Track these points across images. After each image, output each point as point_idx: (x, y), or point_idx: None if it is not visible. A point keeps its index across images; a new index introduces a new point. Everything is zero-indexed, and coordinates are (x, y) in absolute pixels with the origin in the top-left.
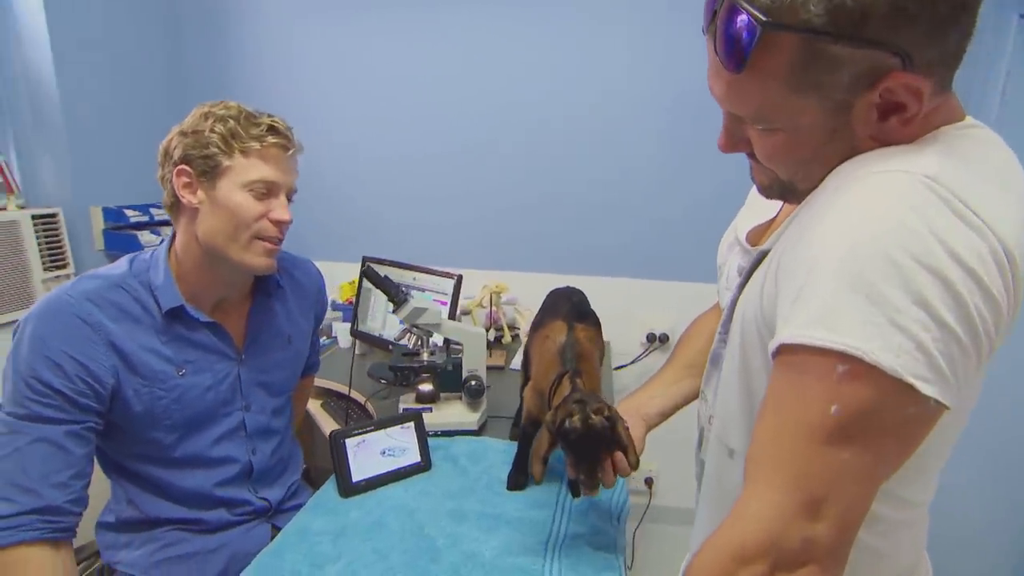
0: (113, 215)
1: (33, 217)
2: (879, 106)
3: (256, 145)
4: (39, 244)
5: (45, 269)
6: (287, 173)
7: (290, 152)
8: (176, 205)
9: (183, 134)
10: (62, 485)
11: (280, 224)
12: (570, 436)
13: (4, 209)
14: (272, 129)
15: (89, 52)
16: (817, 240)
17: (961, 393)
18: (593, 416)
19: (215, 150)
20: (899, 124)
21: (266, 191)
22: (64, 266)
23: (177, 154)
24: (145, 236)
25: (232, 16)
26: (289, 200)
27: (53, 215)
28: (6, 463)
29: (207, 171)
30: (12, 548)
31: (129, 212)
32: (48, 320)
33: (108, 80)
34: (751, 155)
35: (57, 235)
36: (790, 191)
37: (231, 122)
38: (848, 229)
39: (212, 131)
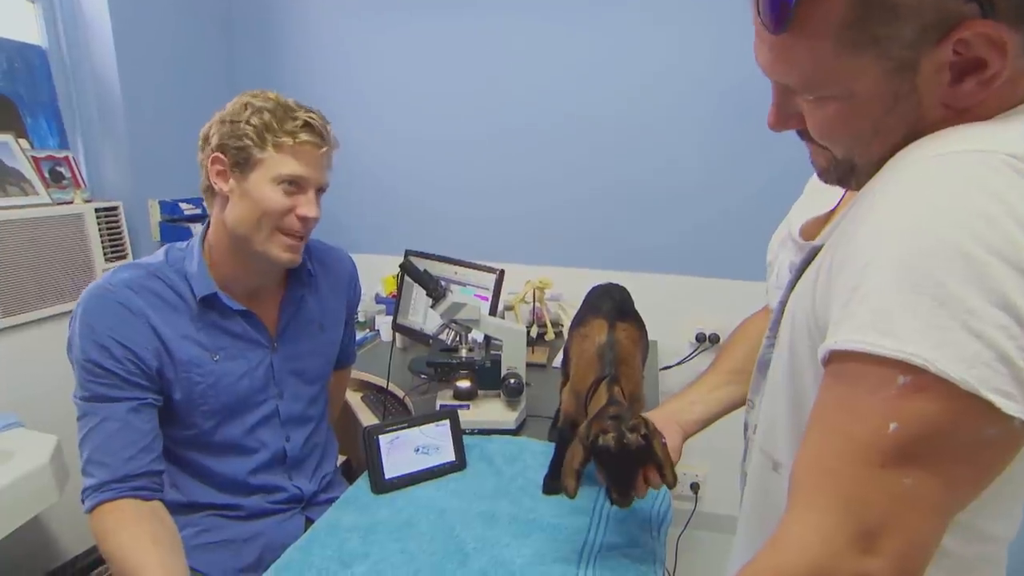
0: (169, 208)
1: (96, 210)
2: (953, 65)
3: (289, 141)
4: (101, 236)
5: (106, 260)
6: (318, 170)
7: (323, 150)
8: (210, 190)
9: (222, 122)
10: (131, 459)
11: (305, 220)
12: (603, 454)
13: (71, 203)
14: (307, 126)
15: (150, 54)
16: (874, 232)
17: None
18: (629, 435)
19: (249, 142)
20: (977, 87)
21: (295, 187)
22: (123, 257)
23: (214, 141)
24: (197, 228)
25: (281, 13)
26: (319, 195)
27: (114, 208)
28: (86, 443)
29: (240, 162)
30: (96, 509)
31: (184, 205)
32: (92, 309)
33: (167, 80)
34: (804, 134)
35: (118, 227)
36: (848, 172)
37: (267, 115)
38: (911, 219)
39: (248, 123)
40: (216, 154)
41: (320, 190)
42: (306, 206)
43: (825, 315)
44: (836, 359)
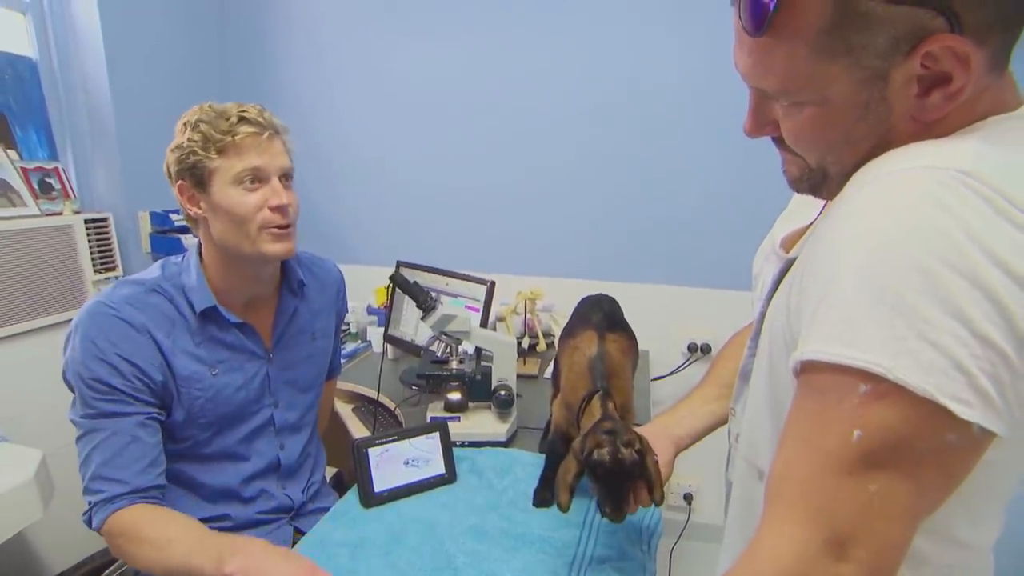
0: (159, 219)
1: (86, 221)
2: (921, 78)
3: (229, 139)
4: (91, 247)
5: (96, 271)
6: (272, 156)
7: (265, 135)
8: (190, 219)
9: (171, 151)
10: (142, 472)
11: (280, 209)
12: (598, 469)
13: (60, 214)
14: (242, 119)
15: (141, 65)
16: (837, 246)
17: (1016, 419)
18: (623, 449)
19: (196, 157)
20: (943, 100)
21: (255, 180)
22: (113, 268)
23: (173, 171)
24: (188, 239)
25: (275, 22)
26: (287, 181)
27: (104, 219)
28: (92, 458)
29: (199, 180)
30: (112, 517)
31: (174, 216)
32: (95, 327)
33: (158, 91)
34: (779, 142)
35: (107, 238)
36: (821, 181)
37: (203, 126)
38: (869, 233)
39: (190, 140)
40: (179, 182)
41: (285, 176)
42: (274, 195)
43: (797, 326)
44: (805, 370)
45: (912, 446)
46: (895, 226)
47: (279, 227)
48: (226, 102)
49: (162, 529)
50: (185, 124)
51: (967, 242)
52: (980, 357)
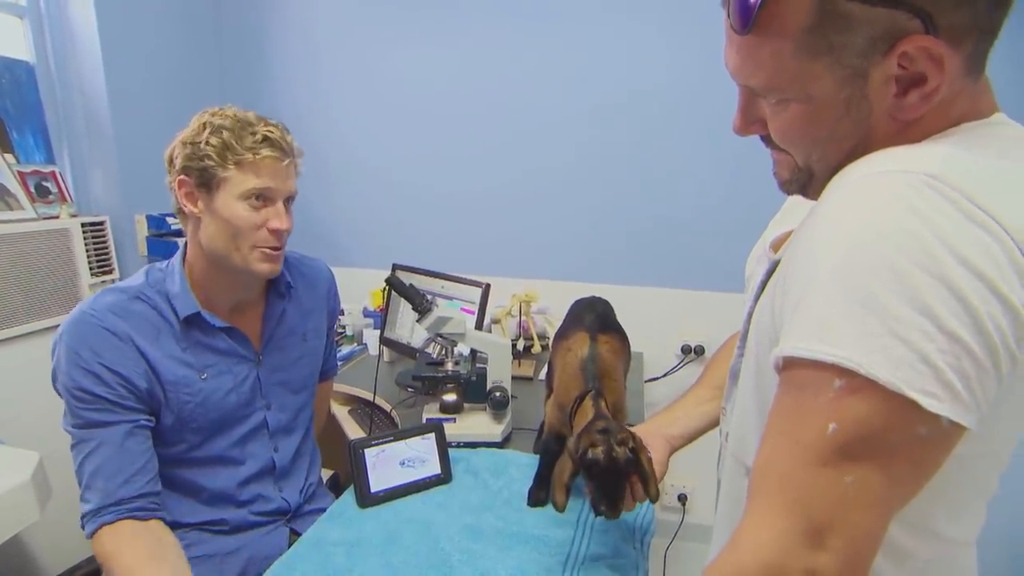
0: (155, 222)
1: (83, 225)
2: (899, 78)
3: (250, 157)
4: (87, 251)
5: (92, 274)
6: (284, 180)
7: (286, 162)
8: (182, 212)
9: (183, 144)
10: (127, 483)
11: (278, 232)
12: (593, 468)
13: (57, 217)
14: (267, 140)
15: (138, 68)
16: (813, 247)
17: (984, 414)
18: (617, 448)
19: (211, 162)
20: (919, 100)
21: (262, 200)
22: (110, 271)
23: (178, 164)
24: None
25: (273, 25)
26: (289, 204)
27: (100, 223)
28: (83, 469)
29: (205, 182)
30: (97, 533)
31: (170, 220)
32: (78, 336)
33: (156, 94)
34: (767, 141)
35: (104, 242)
36: (808, 180)
37: (225, 133)
38: (843, 235)
39: (208, 143)
40: (181, 176)
41: (289, 199)
42: (276, 218)
43: (780, 325)
44: (785, 366)
45: (885, 439)
46: (868, 229)
47: (271, 248)
48: (223, 104)
49: (138, 569)
50: (205, 124)
51: (935, 243)
52: (946, 352)
